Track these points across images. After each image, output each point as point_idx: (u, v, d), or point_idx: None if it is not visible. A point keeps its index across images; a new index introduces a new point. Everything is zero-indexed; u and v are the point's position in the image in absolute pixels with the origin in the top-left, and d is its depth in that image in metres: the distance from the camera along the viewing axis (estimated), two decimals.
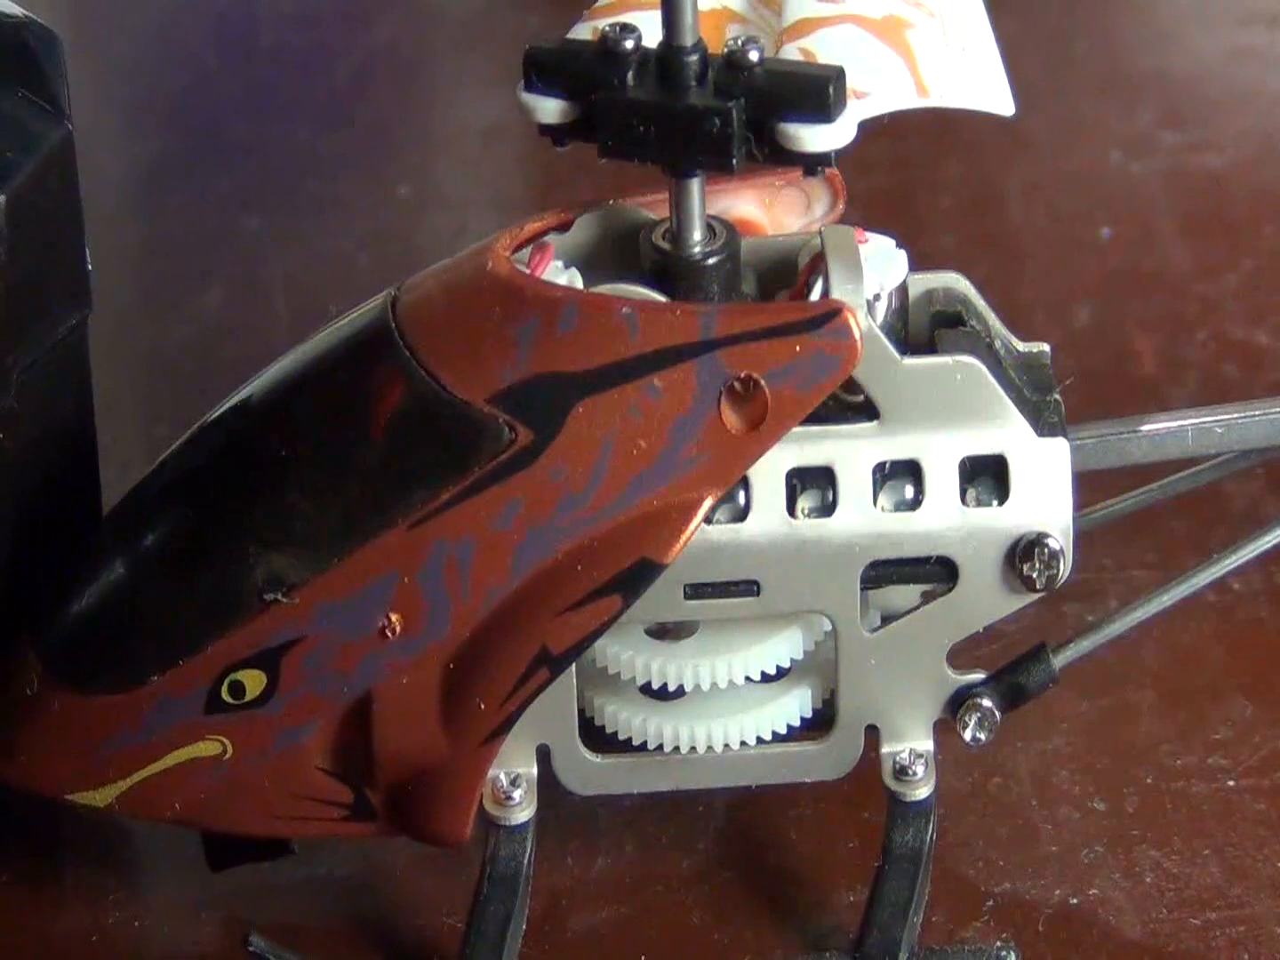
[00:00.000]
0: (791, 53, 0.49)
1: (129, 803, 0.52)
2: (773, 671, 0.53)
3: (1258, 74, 0.92)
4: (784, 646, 0.53)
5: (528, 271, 0.50)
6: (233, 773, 0.52)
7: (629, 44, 0.48)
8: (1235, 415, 0.54)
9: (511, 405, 0.49)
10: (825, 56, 0.49)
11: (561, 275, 0.51)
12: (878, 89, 0.49)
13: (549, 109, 0.49)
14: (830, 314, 0.48)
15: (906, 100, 0.49)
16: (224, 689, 0.51)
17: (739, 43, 0.47)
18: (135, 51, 1.01)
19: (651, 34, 0.48)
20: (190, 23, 1.03)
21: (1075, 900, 0.56)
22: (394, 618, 0.50)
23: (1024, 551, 0.51)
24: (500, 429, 0.49)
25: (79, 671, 0.52)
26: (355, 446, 0.50)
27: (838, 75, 0.47)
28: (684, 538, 0.49)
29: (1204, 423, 0.54)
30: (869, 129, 0.48)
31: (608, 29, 0.48)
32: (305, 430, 0.51)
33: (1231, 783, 0.59)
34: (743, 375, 0.48)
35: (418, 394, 0.50)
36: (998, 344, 0.53)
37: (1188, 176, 0.85)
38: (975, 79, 0.51)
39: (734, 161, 0.48)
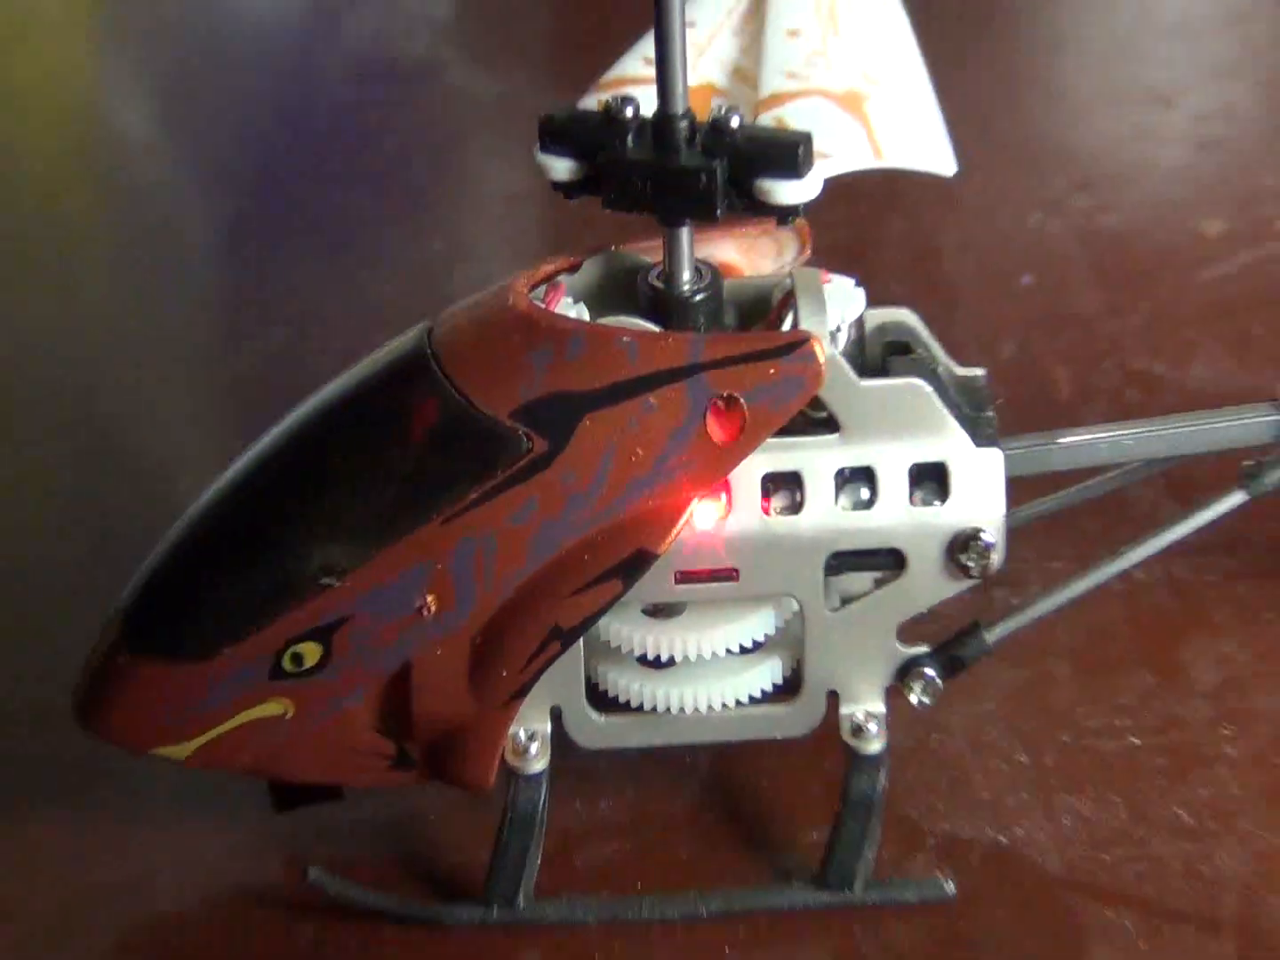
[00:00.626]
0: (767, 120, 0.49)
1: (205, 756, 0.52)
2: (749, 645, 0.52)
3: (1154, 147, 0.92)
4: (759, 624, 0.52)
5: (543, 306, 0.50)
6: (293, 730, 0.51)
7: (629, 112, 0.47)
8: (1140, 430, 0.54)
9: (529, 419, 0.48)
10: (795, 124, 0.48)
11: (571, 310, 0.51)
12: (839, 151, 0.48)
13: (561, 168, 0.49)
14: (799, 342, 0.48)
15: (864, 161, 0.49)
16: (286, 659, 0.50)
17: (722, 111, 0.47)
18: (219, 134, 1.00)
19: (648, 104, 0.48)
20: (262, 110, 1.03)
21: (1004, 839, 0.55)
22: (429, 599, 0.49)
23: (962, 544, 0.50)
24: (519, 439, 0.48)
25: (162, 644, 0.51)
26: (396, 454, 0.49)
27: (806, 139, 0.46)
28: (675, 531, 0.49)
29: (1114, 436, 0.54)
30: (830, 190, 0.47)
31: (611, 100, 0.48)
32: (354, 440, 0.51)
33: (1136, 740, 0.58)
34: (725, 394, 0.48)
35: (450, 409, 0.49)
36: (940, 369, 0.53)
37: (1096, 234, 0.85)
38: (922, 144, 0.50)
39: (718, 212, 0.47)
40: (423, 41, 1.08)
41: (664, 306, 0.50)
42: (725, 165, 0.46)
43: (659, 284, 0.50)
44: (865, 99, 0.50)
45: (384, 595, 0.49)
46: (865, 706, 0.52)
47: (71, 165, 1.01)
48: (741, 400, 0.48)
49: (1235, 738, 0.58)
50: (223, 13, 1.13)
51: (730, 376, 0.48)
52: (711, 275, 0.51)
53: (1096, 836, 0.55)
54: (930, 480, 0.50)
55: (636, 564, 0.49)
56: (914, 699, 0.53)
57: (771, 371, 0.48)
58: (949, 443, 0.50)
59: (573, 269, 0.53)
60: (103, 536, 0.69)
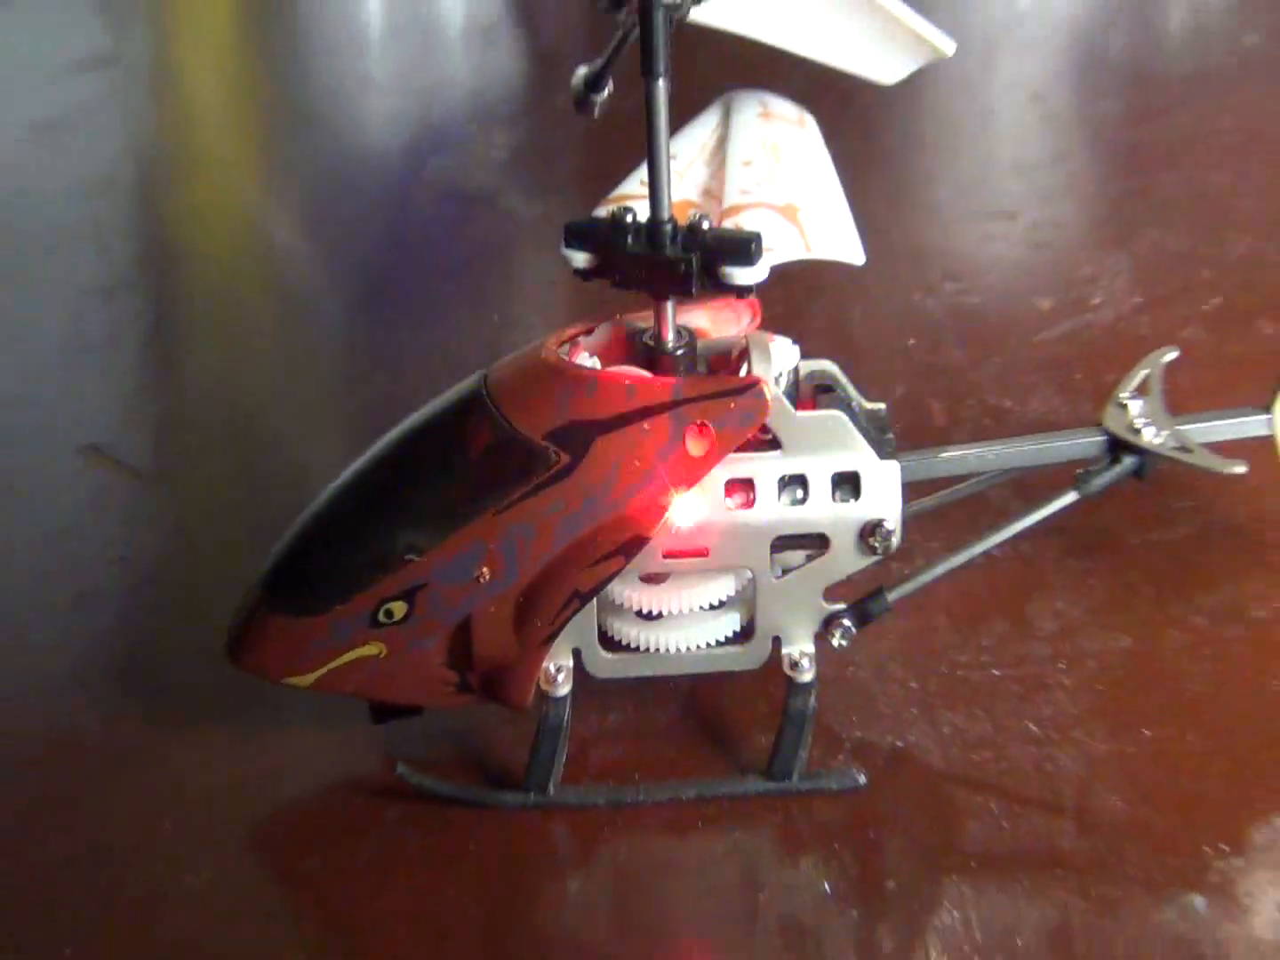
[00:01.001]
0: (729, 225, 0.47)
1: (322, 683, 0.50)
2: (716, 603, 0.50)
3: (1002, 248, 0.90)
4: (722, 588, 0.50)
5: (567, 359, 0.48)
6: (385, 665, 0.49)
7: (629, 218, 0.46)
8: (998, 448, 0.53)
9: (557, 440, 0.47)
10: (749, 227, 0.47)
11: (588, 361, 0.49)
12: (780, 247, 0.47)
13: (580, 259, 0.47)
14: (752, 385, 0.47)
15: (797, 254, 0.47)
16: (380, 613, 0.48)
17: (696, 218, 0.45)
18: (343, 239, 0.99)
19: (643, 213, 0.46)
20: (373, 221, 1.01)
21: (900, 743, 0.53)
22: (485, 570, 0.47)
23: (870, 531, 0.49)
24: (550, 455, 0.47)
25: (291, 604, 0.49)
26: (462, 464, 0.48)
27: (757, 237, 0.45)
28: (662, 521, 0.47)
29: (978, 452, 0.53)
30: (773, 276, 0.46)
31: (616, 209, 0.46)
32: (429, 454, 0.49)
33: (995, 672, 0.56)
34: (699, 421, 0.47)
35: (500, 432, 0.47)
36: (854, 404, 0.51)
37: (960, 309, 0.83)
38: (840, 242, 0.49)
39: (693, 291, 0.46)
40: (486, 176, 1.06)
41: (655, 359, 0.49)
42: (699, 257, 0.45)
43: (651, 342, 0.49)
44: (799, 210, 0.49)
45: (452, 567, 0.47)
46: (800, 647, 0.50)
47: (238, 262, 0.99)
48: (710, 426, 0.47)
49: (1068, 670, 0.56)
50: (345, 152, 1.11)
51: (702, 409, 0.47)
52: (689, 336, 0.49)
53: (968, 742, 0.53)
54: (847, 484, 0.49)
55: (634, 544, 0.47)
56: (835, 642, 0.51)
57: (732, 405, 0.47)
58: (860, 457, 0.49)
59: (589, 332, 0.51)
60: (252, 524, 0.67)
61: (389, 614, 0.48)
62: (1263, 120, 0.96)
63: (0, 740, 0.56)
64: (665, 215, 0.46)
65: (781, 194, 0.49)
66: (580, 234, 0.47)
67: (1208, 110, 1.00)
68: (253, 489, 0.72)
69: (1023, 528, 0.52)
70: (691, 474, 0.47)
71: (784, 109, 0.54)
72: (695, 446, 0.47)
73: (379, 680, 0.50)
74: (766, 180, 0.50)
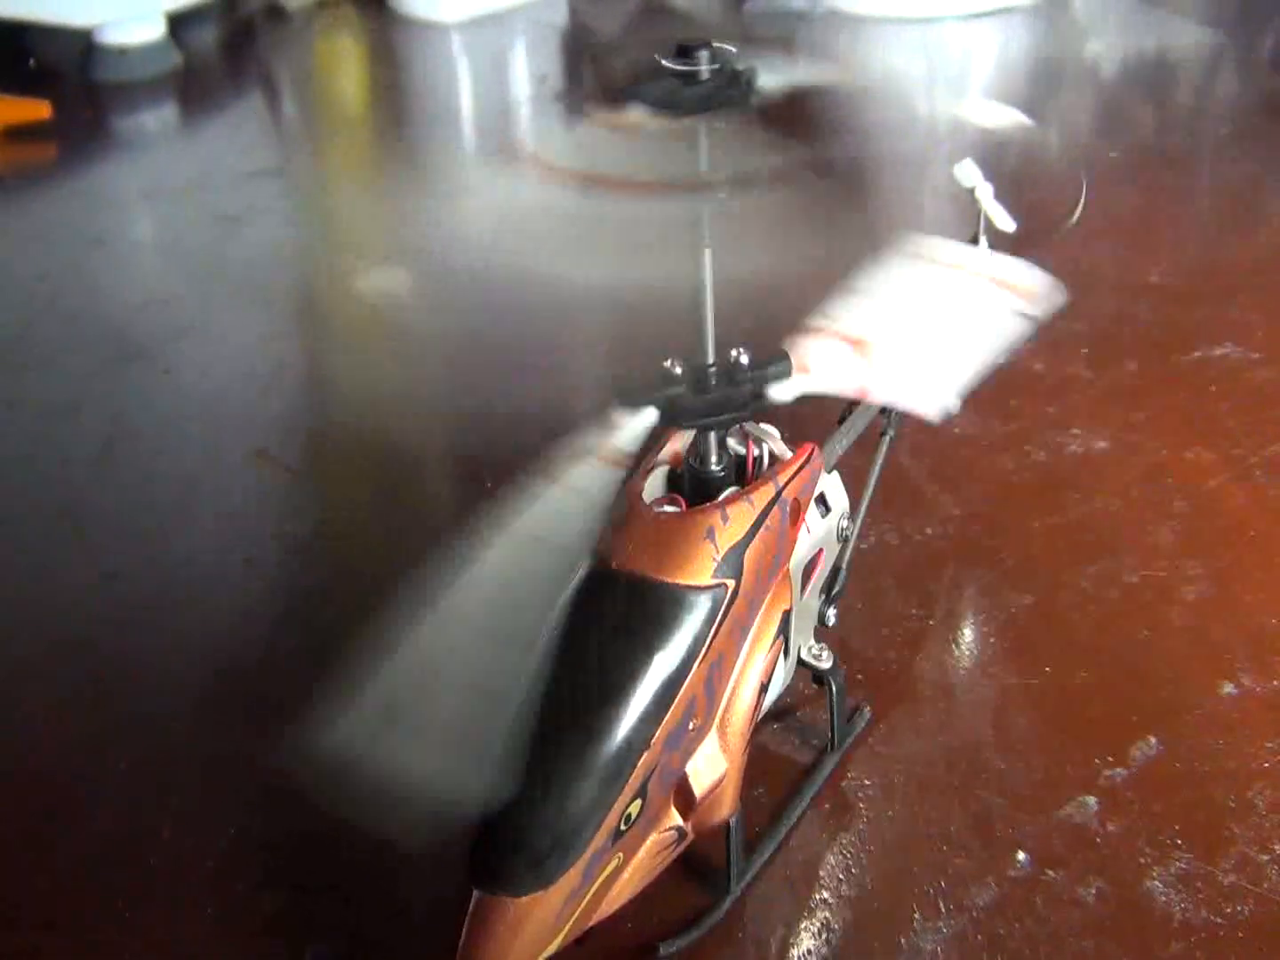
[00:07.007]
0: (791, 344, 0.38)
1: (570, 936, 0.36)
2: None
3: None
4: None
5: (680, 505, 0.40)
6: (619, 873, 0.37)
7: (678, 370, 0.37)
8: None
9: (722, 572, 0.38)
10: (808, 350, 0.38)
11: (660, 480, 0.42)
12: (821, 373, 0.37)
13: (639, 422, 0.37)
14: (811, 451, 0.42)
15: (848, 389, 0.38)
16: (621, 824, 0.35)
17: (738, 354, 0.38)
18: (446, 312, 0.89)
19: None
20: (468, 292, 0.93)
21: (860, 676, 0.51)
22: (696, 719, 0.37)
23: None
24: (723, 587, 0.37)
25: (538, 877, 0.34)
26: (651, 646, 0.36)
27: (785, 355, 0.38)
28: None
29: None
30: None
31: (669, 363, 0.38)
32: (613, 663, 0.36)
33: (931, 622, 0.54)
34: (794, 498, 0.40)
35: (672, 598, 0.37)
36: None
37: None
38: (912, 389, 0.39)
39: (750, 415, 0.38)
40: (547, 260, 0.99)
41: (700, 480, 0.40)
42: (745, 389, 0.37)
43: (697, 465, 0.41)
44: (869, 346, 0.39)
45: (673, 737, 0.36)
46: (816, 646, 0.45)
47: (367, 318, 0.93)
48: (799, 498, 0.40)
49: (987, 620, 0.54)
50: (445, 239, 1.06)
51: (794, 487, 0.40)
52: (729, 459, 0.41)
53: (911, 674, 0.51)
54: (820, 502, 0.44)
55: (787, 621, 0.39)
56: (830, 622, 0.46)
57: (808, 474, 0.41)
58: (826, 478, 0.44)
59: (658, 451, 0.42)
60: (378, 512, 0.64)
61: (628, 819, 0.34)
62: (1119, 210, 0.92)
63: (193, 660, 0.54)
64: (710, 359, 0.37)
65: (861, 326, 0.39)
66: (637, 392, 0.36)
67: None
68: (378, 484, 0.69)
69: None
70: (792, 542, 0.40)
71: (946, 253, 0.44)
72: (793, 520, 0.40)
73: (612, 893, 0.36)
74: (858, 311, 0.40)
